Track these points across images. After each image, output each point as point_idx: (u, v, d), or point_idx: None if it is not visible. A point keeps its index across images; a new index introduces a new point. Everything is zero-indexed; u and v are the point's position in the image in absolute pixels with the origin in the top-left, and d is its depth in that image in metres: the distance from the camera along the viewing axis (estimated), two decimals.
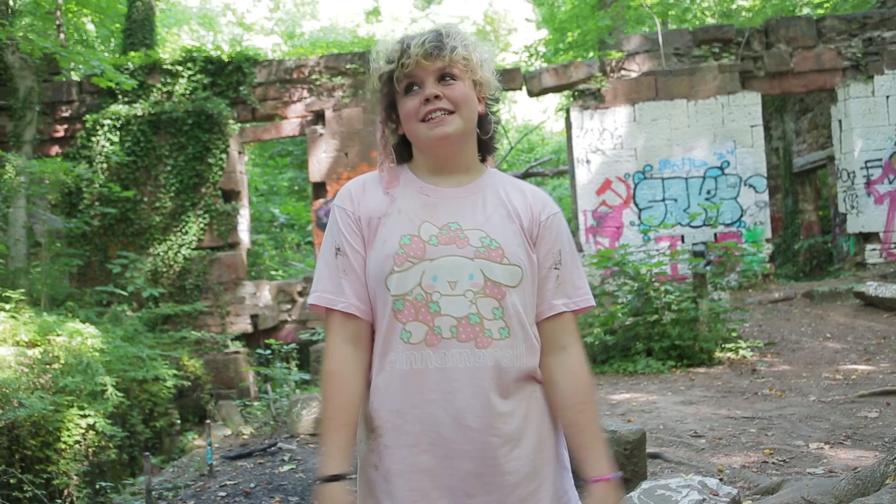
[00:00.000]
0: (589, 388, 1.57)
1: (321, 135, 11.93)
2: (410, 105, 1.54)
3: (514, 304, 1.49)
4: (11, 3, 12.49)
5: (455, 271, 1.47)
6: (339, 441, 1.49)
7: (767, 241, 11.82)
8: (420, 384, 1.46)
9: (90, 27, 19.51)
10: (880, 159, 11.69)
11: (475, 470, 1.45)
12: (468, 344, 1.45)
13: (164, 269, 11.45)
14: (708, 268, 8.47)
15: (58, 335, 7.37)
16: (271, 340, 8.62)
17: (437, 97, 1.52)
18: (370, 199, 1.58)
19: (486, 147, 1.66)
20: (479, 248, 1.49)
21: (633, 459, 3.91)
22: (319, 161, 11.93)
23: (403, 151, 1.64)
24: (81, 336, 7.52)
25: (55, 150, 11.99)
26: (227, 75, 12.01)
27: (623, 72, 12.11)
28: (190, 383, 9.57)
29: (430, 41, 1.51)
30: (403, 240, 1.50)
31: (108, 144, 11.51)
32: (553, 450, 1.56)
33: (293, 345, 8.79)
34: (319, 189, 12.08)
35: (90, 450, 6.64)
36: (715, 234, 11.66)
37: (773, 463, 4.22)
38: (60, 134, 12.06)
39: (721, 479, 3.79)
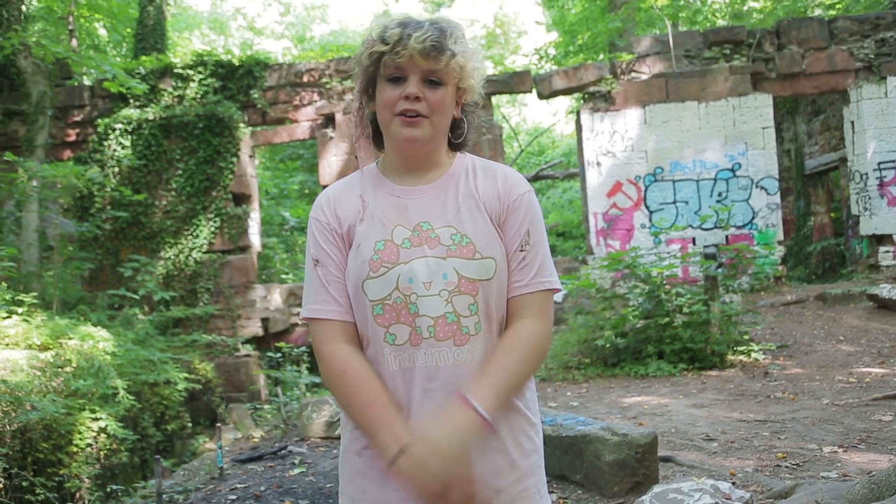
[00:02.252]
0: (520, 342, 1.51)
1: (331, 138, 11.96)
2: (390, 95, 1.52)
3: (486, 298, 1.50)
4: (24, 8, 12.56)
5: (428, 272, 1.48)
6: (393, 415, 1.47)
7: (779, 243, 11.75)
8: (406, 382, 1.49)
9: (102, 32, 19.64)
10: (893, 161, 11.60)
11: None
12: (447, 342, 1.48)
13: (176, 273, 11.49)
14: (719, 270, 8.42)
15: (70, 338, 7.40)
16: (282, 343, 8.62)
17: (417, 98, 1.51)
18: (342, 207, 1.59)
19: (457, 147, 1.66)
20: (450, 246, 1.50)
21: (644, 463, 3.90)
22: (330, 164, 11.95)
23: (376, 131, 1.64)
24: (93, 339, 7.55)
25: (67, 154, 12.07)
26: (238, 79, 12.06)
27: (633, 74, 12.08)
28: (201, 386, 9.60)
29: (431, 39, 1.49)
30: (378, 245, 1.52)
31: (119, 148, 11.57)
32: (525, 437, 1.57)
33: (304, 348, 8.80)
34: None
35: (102, 453, 6.66)
36: (726, 237, 11.60)
37: (787, 467, 4.18)
38: (72, 138, 12.14)
39: (733, 483, 3.76)
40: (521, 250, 1.56)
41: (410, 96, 1.51)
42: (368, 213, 1.56)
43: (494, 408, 1.44)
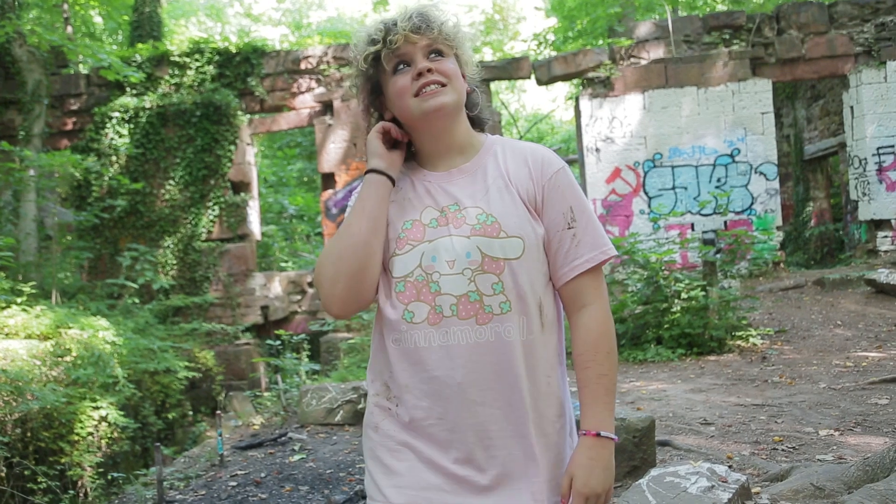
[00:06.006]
0: (598, 344, 1.53)
1: (330, 125, 11.93)
2: (402, 82, 1.53)
3: (514, 277, 1.49)
4: None
5: (452, 251, 1.49)
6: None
7: (778, 228, 11.75)
8: (425, 361, 1.48)
9: (97, 20, 19.56)
10: (892, 146, 11.58)
11: (479, 442, 1.48)
12: (469, 321, 1.47)
13: (175, 262, 11.50)
14: (718, 256, 8.43)
15: (70, 328, 7.42)
16: (281, 331, 8.64)
17: (429, 70, 1.52)
18: None
19: (476, 123, 1.67)
20: (475, 225, 1.50)
21: (642, 447, 3.92)
22: (328, 152, 11.93)
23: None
24: (93, 329, 7.56)
25: (64, 143, 12.04)
26: (235, 66, 12.02)
27: (633, 59, 12.04)
28: (201, 375, 9.63)
29: (416, 16, 1.52)
30: (406, 224, 1.54)
31: (116, 137, 11.55)
32: (559, 425, 1.55)
33: (303, 335, 8.82)
34: (329, 180, 12.09)
35: (103, 441, 6.69)
36: (725, 222, 11.60)
37: (783, 450, 4.21)
38: (69, 127, 12.11)
39: (730, 466, 3.78)
40: (570, 227, 1.54)
41: (423, 70, 1.52)
42: (400, 195, 1.58)
43: (612, 420, 1.52)
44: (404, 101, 1.54)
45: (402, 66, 1.54)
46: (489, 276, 1.47)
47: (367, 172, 1.57)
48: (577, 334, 1.55)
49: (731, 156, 11.74)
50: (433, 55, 1.54)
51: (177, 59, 11.97)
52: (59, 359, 6.85)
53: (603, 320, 1.54)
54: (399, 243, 1.52)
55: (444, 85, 1.52)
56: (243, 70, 12.01)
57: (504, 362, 1.47)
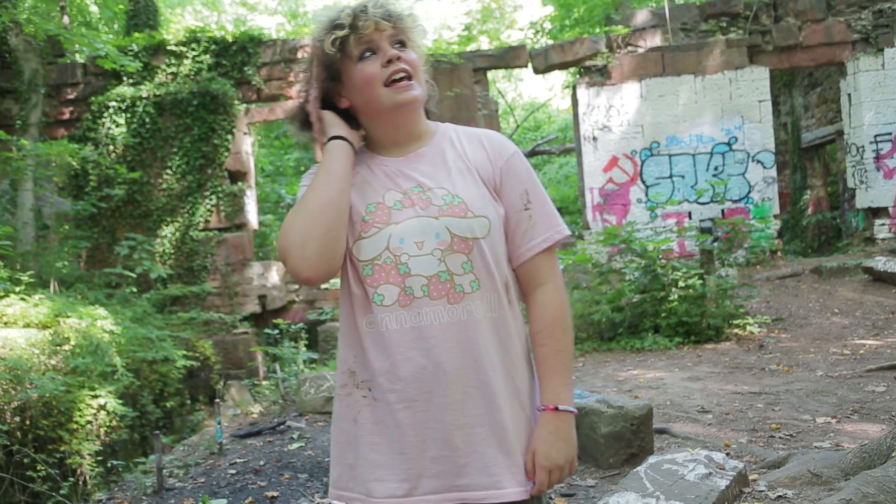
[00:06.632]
0: (555, 321, 1.57)
1: None
2: (371, 69, 1.52)
3: (482, 256, 1.51)
4: None
5: (420, 232, 1.49)
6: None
7: (775, 217, 11.77)
8: (398, 343, 1.48)
9: (94, 9, 19.44)
10: (890, 133, 11.59)
11: (456, 421, 1.48)
12: (440, 301, 1.48)
13: (172, 251, 11.49)
14: (715, 244, 8.45)
15: (68, 317, 7.42)
16: (279, 320, 8.65)
17: (398, 58, 1.52)
18: None
19: (426, 113, 1.68)
20: (441, 206, 1.51)
21: (639, 435, 3.94)
22: None
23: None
24: (92, 318, 7.57)
25: (61, 132, 11.99)
26: (232, 56, 11.98)
27: (630, 48, 12.02)
28: (199, 364, 9.65)
29: (382, 5, 1.52)
30: (369, 207, 1.52)
31: (113, 126, 11.52)
32: (533, 397, 1.59)
33: (301, 324, 8.83)
34: None
35: (102, 429, 6.71)
36: (722, 211, 11.62)
37: (780, 437, 4.23)
38: (66, 116, 12.07)
39: (727, 454, 3.81)
40: (526, 209, 1.58)
41: (393, 59, 1.52)
42: (359, 178, 1.56)
43: (571, 393, 1.56)
44: (374, 88, 1.53)
45: (368, 54, 1.53)
46: (459, 255, 1.49)
47: (330, 140, 1.55)
48: (534, 312, 1.58)
49: (729, 144, 11.74)
50: (397, 45, 1.54)
51: (173, 48, 11.92)
52: (58, 347, 6.86)
53: (559, 298, 1.59)
54: (364, 226, 1.50)
55: (410, 77, 1.53)
56: (240, 59, 11.97)
57: (477, 339, 1.49)
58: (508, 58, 12.30)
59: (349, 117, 1.60)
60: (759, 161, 11.75)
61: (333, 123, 1.57)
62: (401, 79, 1.52)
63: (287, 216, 1.50)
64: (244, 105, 11.99)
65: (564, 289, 1.62)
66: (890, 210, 11.62)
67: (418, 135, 1.62)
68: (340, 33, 1.51)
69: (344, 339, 1.57)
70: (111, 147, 11.53)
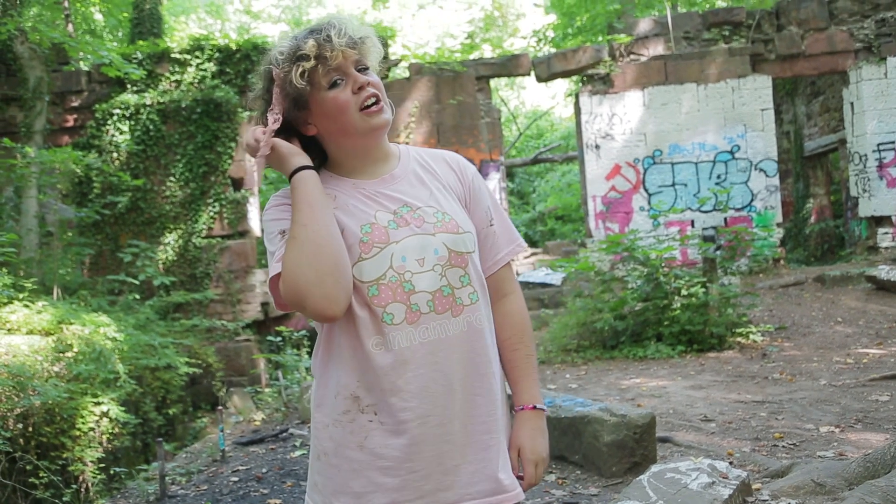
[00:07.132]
0: (524, 328, 1.69)
1: None
2: (343, 98, 1.53)
3: (475, 269, 1.58)
4: None
5: (421, 249, 1.52)
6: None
7: (778, 225, 11.76)
8: (410, 360, 1.49)
9: (98, 17, 19.54)
10: (893, 142, 11.59)
11: (467, 430, 1.52)
12: (445, 315, 1.52)
13: (175, 258, 11.50)
14: (718, 252, 8.44)
15: (71, 324, 7.43)
16: (282, 328, 8.64)
17: (369, 83, 1.54)
18: None
19: None
20: (435, 223, 1.55)
21: (642, 443, 3.93)
22: None
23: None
24: (95, 325, 7.57)
25: (65, 139, 12.03)
26: (236, 63, 12.02)
27: (632, 56, 12.04)
28: (202, 371, 9.63)
29: (346, 31, 1.52)
30: (364, 228, 1.52)
31: (117, 134, 11.55)
32: (503, 400, 1.65)
33: (303, 332, 8.81)
34: None
35: (104, 436, 6.70)
36: (725, 219, 11.61)
37: (784, 446, 4.22)
38: (70, 124, 12.11)
39: (731, 463, 3.80)
40: (491, 225, 1.68)
41: (364, 85, 1.54)
42: (340, 202, 1.56)
43: (540, 393, 1.68)
44: (348, 116, 1.53)
45: (336, 82, 1.53)
46: (457, 269, 1.54)
47: (297, 171, 1.51)
48: (503, 319, 1.67)
49: (731, 152, 11.75)
50: (361, 70, 1.56)
51: (177, 56, 11.96)
52: (61, 354, 6.86)
53: (523, 306, 1.72)
54: (364, 247, 1.50)
55: (379, 100, 1.56)
56: (244, 67, 12.00)
57: (479, 349, 1.55)
58: (511, 66, 12.33)
59: (306, 143, 1.59)
60: (761, 169, 11.75)
61: (295, 153, 1.55)
62: (372, 104, 1.54)
63: (285, 259, 1.45)
64: (247, 113, 12.02)
65: (521, 293, 1.74)
66: (893, 219, 11.61)
67: (385, 156, 1.64)
68: (307, 65, 1.50)
69: (342, 365, 1.53)
70: (115, 154, 11.55)
